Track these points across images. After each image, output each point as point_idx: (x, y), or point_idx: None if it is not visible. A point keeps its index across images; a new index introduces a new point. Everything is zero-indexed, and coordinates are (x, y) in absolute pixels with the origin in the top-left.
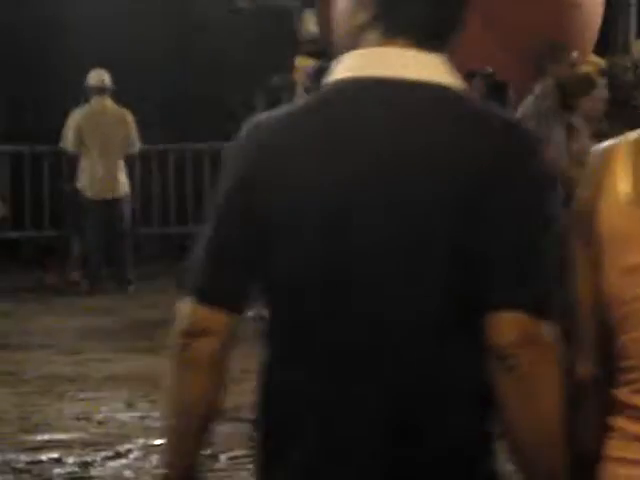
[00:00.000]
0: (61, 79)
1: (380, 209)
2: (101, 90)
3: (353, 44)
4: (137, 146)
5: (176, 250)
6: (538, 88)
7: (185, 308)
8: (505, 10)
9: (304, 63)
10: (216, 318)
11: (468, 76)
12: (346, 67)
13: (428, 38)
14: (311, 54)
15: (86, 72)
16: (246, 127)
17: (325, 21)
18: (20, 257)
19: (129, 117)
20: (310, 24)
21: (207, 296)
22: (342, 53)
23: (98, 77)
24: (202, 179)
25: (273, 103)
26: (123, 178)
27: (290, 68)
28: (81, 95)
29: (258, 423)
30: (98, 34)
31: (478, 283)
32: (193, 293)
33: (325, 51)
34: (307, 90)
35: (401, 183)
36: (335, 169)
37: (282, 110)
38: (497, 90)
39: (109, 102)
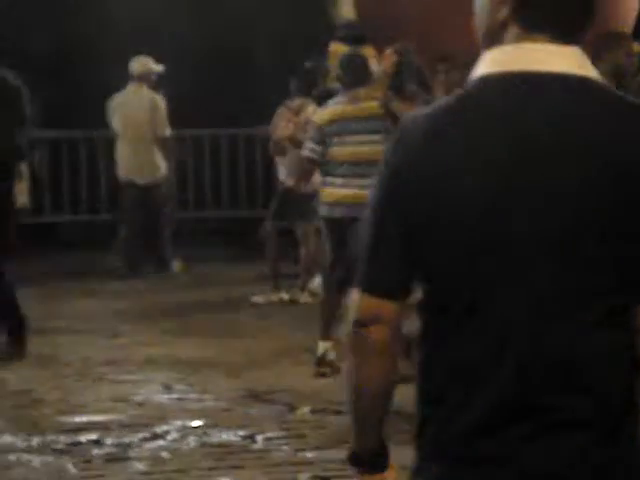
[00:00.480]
0: (100, 66)
1: (540, 195)
2: (142, 78)
3: (494, 40)
4: (167, 132)
5: (212, 234)
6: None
7: (357, 300)
8: None
9: (338, 49)
10: (385, 307)
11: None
12: (491, 62)
13: (565, 32)
14: (345, 40)
15: (124, 60)
16: (402, 124)
17: (362, 6)
18: (59, 241)
19: (161, 103)
20: (344, 9)
21: (376, 287)
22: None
23: (140, 64)
24: (237, 163)
25: (307, 88)
26: (158, 162)
27: (324, 53)
28: (120, 82)
29: (425, 394)
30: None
31: (633, 267)
32: (363, 285)
33: (361, 37)
34: (338, 78)
35: (560, 169)
36: (494, 157)
37: (434, 106)
38: None
39: (144, 89)
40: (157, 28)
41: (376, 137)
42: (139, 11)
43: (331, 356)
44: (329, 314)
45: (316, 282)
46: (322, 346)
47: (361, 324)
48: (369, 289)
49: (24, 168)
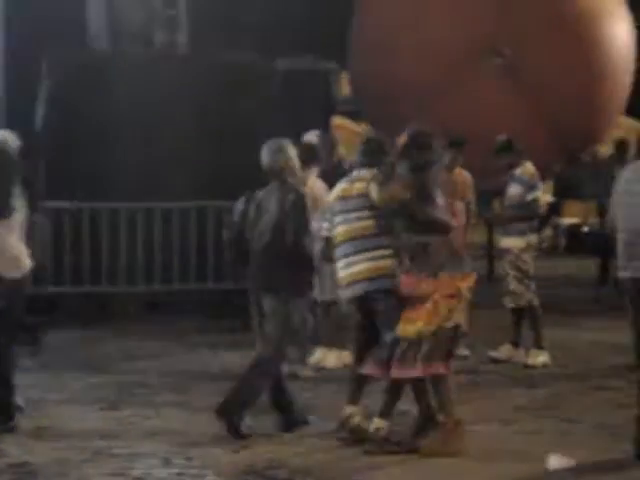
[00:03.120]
0: None
1: None
2: None
3: None
4: None
5: (212, 308)
6: None
7: None
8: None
9: (340, 123)
10: None
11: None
12: None
13: None
14: (346, 114)
15: None
16: None
17: (358, 83)
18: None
19: None
20: (346, 86)
21: None
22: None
23: None
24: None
25: (308, 161)
26: None
27: (327, 127)
28: None
29: None
30: None
31: None
32: None
33: (358, 111)
34: (362, 164)
35: None
36: None
37: None
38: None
39: None
40: None
41: (363, 214)
42: None
43: (356, 421)
44: (359, 380)
45: (315, 357)
46: (348, 410)
47: None
48: None
49: None
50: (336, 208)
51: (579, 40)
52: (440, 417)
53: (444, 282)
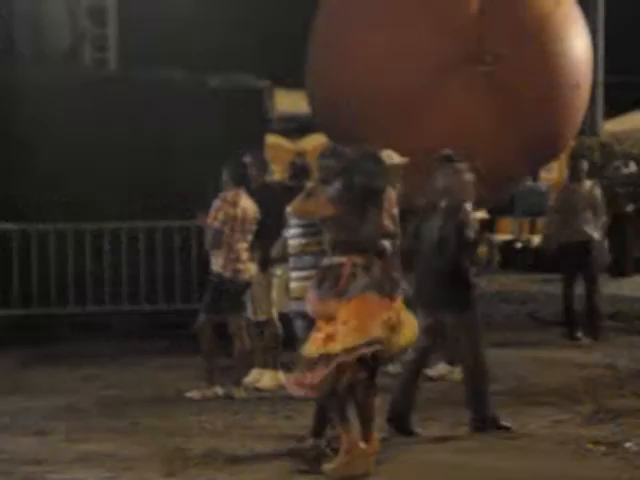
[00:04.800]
0: None
1: None
2: None
3: None
4: None
5: (145, 329)
6: None
7: None
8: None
9: (275, 141)
10: None
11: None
12: None
13: None
14: (280, 132)
15: None
16: None
17: (317, 99)
18: None
19: None
20: (279, 104)
21: None
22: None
23: None
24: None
25: (239, 180)
26: None
27: (259, 146)
28: None
29: None
30: None
31: None
32: None
33: (293, 129)
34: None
35: None
36: None
37: None
38: None
39: None
40: None
41: (297, 231)
42: None
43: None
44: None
45: (251, 376)
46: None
47: None
48: None
49: None
50: (289, 222)
51: (551, 49)
52: (342, 437)
53: (359, 303)
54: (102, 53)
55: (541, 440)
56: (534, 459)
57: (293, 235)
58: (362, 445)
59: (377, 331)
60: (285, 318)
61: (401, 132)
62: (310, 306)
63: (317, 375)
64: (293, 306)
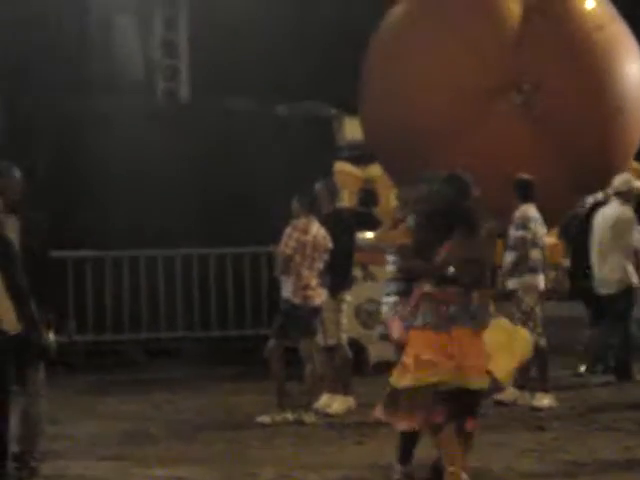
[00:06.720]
0: None
1: None
2: None
3: None
4: None
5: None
6: None
7: None
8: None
9: (343, 168)
10: None
11: None
12: None
13: None
14: (349, 159)
15: None
16: None
17: (369, 128)
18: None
19: None
20: (348, 131)
21: None
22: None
23: None
24: (243, 282)
25: (310, 208)
26: None
27: (328, 173)
28: None
29: None
30: None
31: None
32: None
33: (362, 156)
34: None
35: None
36: None
37: None
38: None
39: None
40: None
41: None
42: None
43: None
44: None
45: (322, 401)
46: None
47: None
48: None
49: None
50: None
51: (596, 75)
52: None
53: (417, 335)
54: (173, 83)
55: (611, 466)
56: None
57: (390, 262)
58: (463, 476)
59: (435, 372)
60: (355, 343)
61: (439, 161)
62: (392, 333)
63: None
64: (380, 330)
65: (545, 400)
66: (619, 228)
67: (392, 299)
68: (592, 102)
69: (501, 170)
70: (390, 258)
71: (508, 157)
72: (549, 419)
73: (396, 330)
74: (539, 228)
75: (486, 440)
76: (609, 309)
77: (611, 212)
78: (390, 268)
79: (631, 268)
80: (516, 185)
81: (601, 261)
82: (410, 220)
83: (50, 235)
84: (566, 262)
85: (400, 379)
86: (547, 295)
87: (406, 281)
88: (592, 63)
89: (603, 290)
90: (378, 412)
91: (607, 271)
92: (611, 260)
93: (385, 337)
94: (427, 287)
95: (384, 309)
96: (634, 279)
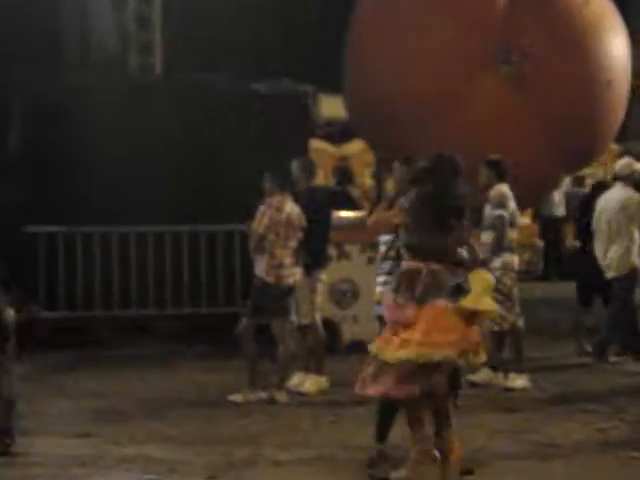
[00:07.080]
0: None
1: None
2: None
3: None
4: None
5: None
6: None
7: None
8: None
9: (319, 146)
10: None
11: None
12: None
13: None
14: (324, 137)
15: None
16: None
17: (353, 104)
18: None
19: None
20: (324, 109)
21: None
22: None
23: None
24: (215, 259)
25: (284, 185)
26: None
27: (305, 151)
28: None
29: None
30: None
31: None
32: None
33: (341, 133)
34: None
35: None
36: None
37: None
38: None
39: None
40: None
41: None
42: None
43: None
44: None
45: (294, 380)
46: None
47: None
48: None
49: None
50: None
51: (584, 51)
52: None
53: (431, 311)
54: (148, 57)
55: (585, 447)
56: (577, 467)
57: (382, 242)
58: (435, 454)
59: (448, 350)
60: (328, 323)
61: (429, 134)
62: (387, 311)
63: (396, 379)
64: (376, 309)
65: (519, 381)
66: (631, 210)
67: (383, 279)
68: (583, 75)
69: (489, 143)
70: (383, 238)
71: (496, 129)
72: (522, 400)
73: (399, 312)
74: (515, 207)
75: (459, 421)
76: (615, 291)
77: (616, 196)
78: (382, 248)
79: (636, 250)
80: (491, 165)
81: (609, 244)
82: (403, 201)
83: (21, 210)
84: (540, 243)
85: (394, 351)
86: (519, 276)
87: (398, 260)
88: (581, 37)
89: (610, 273)
90: (362, 388)
91: (615, 254)
92: (620, 243)
93: (381, 318)
94: (413, 263)
95: (378, 289)
96: (637, 261)
